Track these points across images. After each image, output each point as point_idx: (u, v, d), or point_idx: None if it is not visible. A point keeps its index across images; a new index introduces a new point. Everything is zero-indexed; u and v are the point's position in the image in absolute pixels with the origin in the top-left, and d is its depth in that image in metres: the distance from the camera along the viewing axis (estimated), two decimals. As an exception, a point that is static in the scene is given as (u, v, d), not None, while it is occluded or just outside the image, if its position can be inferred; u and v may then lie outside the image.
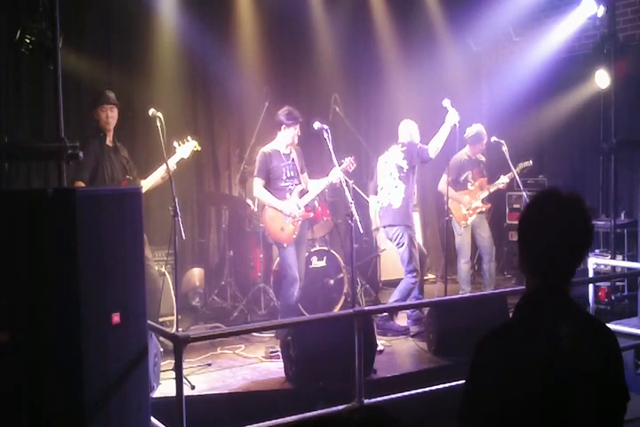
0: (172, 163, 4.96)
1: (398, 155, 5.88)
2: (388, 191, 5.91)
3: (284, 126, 5.41)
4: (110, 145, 5.08)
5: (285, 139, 5.45)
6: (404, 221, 5.84)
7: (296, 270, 5.40)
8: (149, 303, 3.42)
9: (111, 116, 5.02)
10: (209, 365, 4.90)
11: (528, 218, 1.75)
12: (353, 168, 5.55)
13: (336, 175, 5.38)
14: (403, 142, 5.96)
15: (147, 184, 5.01)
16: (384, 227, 5.98)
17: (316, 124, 5.16)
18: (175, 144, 5.04)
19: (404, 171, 5.85)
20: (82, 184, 4.78)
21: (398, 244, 5.85)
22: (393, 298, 5.86)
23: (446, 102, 5.80)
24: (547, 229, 1.71)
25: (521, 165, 6.80)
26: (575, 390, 1.63)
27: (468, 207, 6.49)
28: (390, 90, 7.99)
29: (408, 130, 6.02)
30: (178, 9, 6.61)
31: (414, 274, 5.82)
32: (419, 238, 7.40)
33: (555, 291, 1.72)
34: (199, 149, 5.22)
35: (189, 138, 5.14)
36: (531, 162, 6.88)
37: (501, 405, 1.62)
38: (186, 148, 5.09)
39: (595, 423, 1.66)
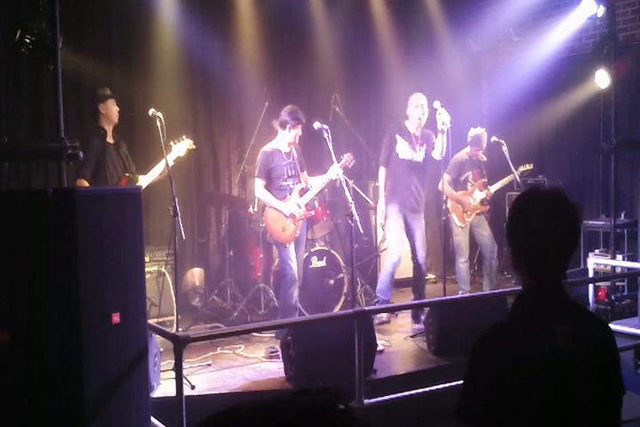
0: (169, 160, 4.97)
1: None
2: None
3: (288, 126, 5.39)
4: (112, 142, 5.09)
5: (288, 138, 5.45)
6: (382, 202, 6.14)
7: (296, 270, 5.41)
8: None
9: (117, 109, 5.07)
10: (209, 365, 4.90)
11: (511, 219, 1.78)
12: (352, 164, 5.55)
13: (335, 172, 5.37)
14: None
15: (146, 180, 5.04)
16: None
17: (316, 124, 5.16)
18: (171, 142, 5.06)
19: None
20: (85, 182, 4.79)
21: None
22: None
23: (436, 104, 5.79)
24: (528, 230, 1.72)
25: (522, 168, 6.84)
26: (571, 387, 1.63)
27: (467, 208, 6.50)
28: (390, 90, 7.99)
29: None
30: (178, 9, 6.61)
31: (387, 262, 6.04)
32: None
33: (548, 289, 1.72)
34: (194, 147, 5.26)
35: (184, 137, 5.16)
36: (531, 165, 6.91)
37: (499, 401, 1.63)
38: (181, 146, 5.12)
39: (592, 419, 1.66)
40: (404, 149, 5.97)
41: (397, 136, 5.99)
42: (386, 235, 6.06)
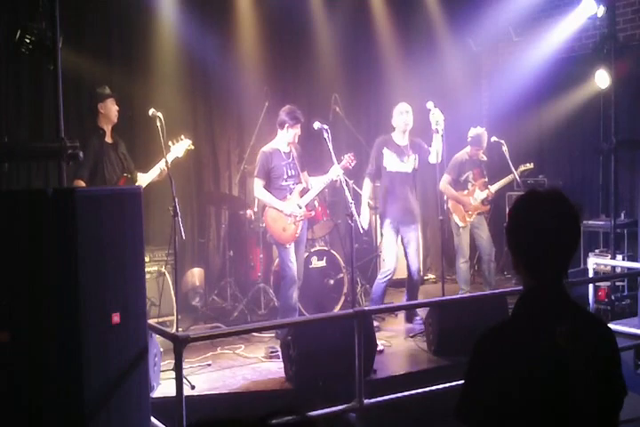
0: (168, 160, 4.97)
1: None
2: None
3: (287, 126, 5.40)
4: (110, 142, 5.09)
5: (287, 138, 5.44)
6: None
7: (295, 270, 5.40)
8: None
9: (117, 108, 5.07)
10: (209, 365, 4.90)
11: (511, 220, 1.79)
12: (353, 164, 5.54)
13: (336, 172, 5.37)
14: None
15: (146, 179, 5.04)
16: None
17: (316, 124, 5.16)
18: (169, 143, 5.05)
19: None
20: (82, 183, 4.79)
21: None
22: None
23: (430, 104, 5.77)
24: (529, 229, 1.73)
25: (522, 168, 6.84)
26: (571, 387, 1.63)
27: (468, 208, 6.50)
28: (390, 90, 7.98)
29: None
30: (178, 9, 6.62)
31: (380, 273, 6.00)
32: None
33: (548, 289, 1.72)
34: (192, 147, 5.26)
35: (183, 137, 5.15)
36: (532, 164, 6.90)
37: (499, 401, 1.63)
38: (180, 146, 5.12)
39: (593, 419, 1.66)
40: (391, 162, 5.92)
41: (385, 150, 5.93)
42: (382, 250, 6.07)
